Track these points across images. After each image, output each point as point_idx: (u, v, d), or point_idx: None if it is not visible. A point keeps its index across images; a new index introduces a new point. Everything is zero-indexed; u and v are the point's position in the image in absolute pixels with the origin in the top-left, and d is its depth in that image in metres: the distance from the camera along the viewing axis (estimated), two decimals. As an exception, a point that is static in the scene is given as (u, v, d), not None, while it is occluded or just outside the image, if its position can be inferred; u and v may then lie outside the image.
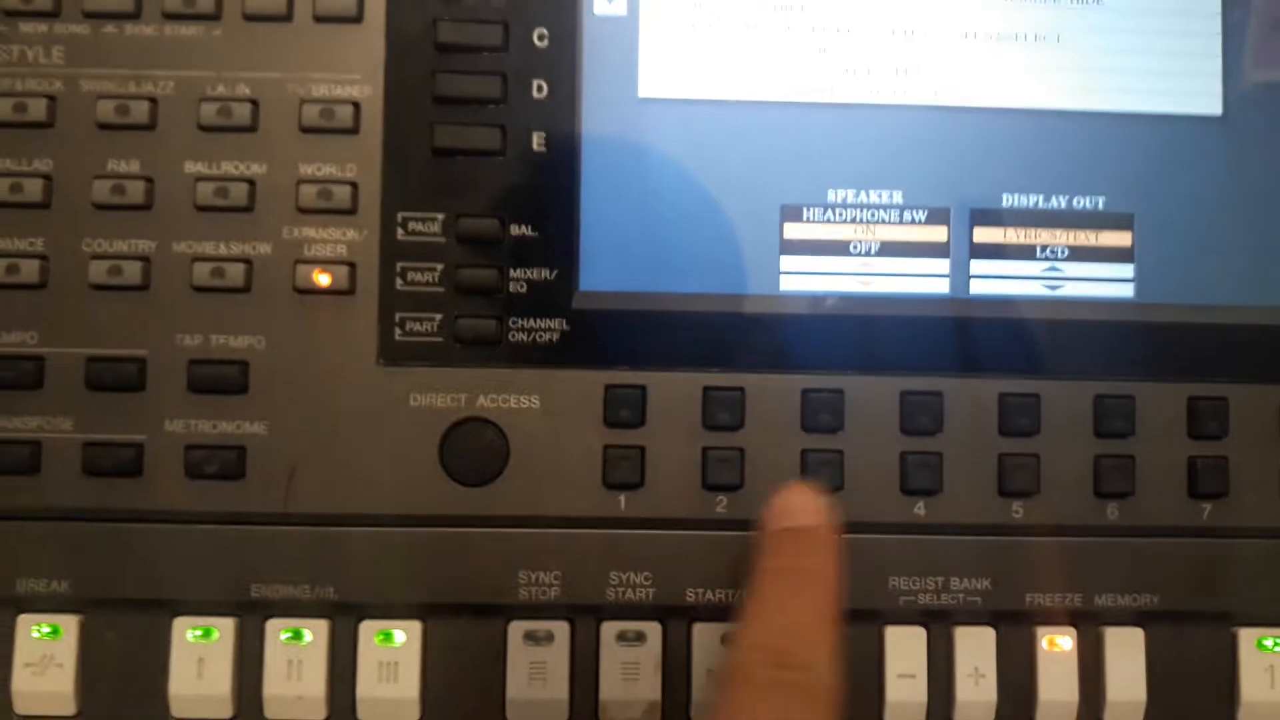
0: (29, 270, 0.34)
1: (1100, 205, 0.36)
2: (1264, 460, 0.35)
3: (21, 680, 0.35)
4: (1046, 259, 0.36)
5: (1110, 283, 0.36)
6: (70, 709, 0.35)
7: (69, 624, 0.35)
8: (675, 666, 0.35)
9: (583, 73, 0.35)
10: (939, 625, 0.36)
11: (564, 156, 0.35)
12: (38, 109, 0.35)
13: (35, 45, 0.35)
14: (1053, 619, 0.35)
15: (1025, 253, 0.36)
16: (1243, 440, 0.35)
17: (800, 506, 0.32)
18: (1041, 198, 0.36)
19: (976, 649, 0.35)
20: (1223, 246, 0.36)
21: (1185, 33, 0.37)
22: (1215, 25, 0.36)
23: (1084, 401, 0.35)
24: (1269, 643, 0.36)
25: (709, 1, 0.36)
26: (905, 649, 0.35)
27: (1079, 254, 0.36)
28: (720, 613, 0.35)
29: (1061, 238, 0.36)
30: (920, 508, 0.35)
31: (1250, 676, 0.36)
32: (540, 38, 0.35)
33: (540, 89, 0.35)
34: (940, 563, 0.35)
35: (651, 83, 0.35)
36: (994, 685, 0.35)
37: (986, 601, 0.35)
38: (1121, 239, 0.36)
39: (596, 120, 0.35)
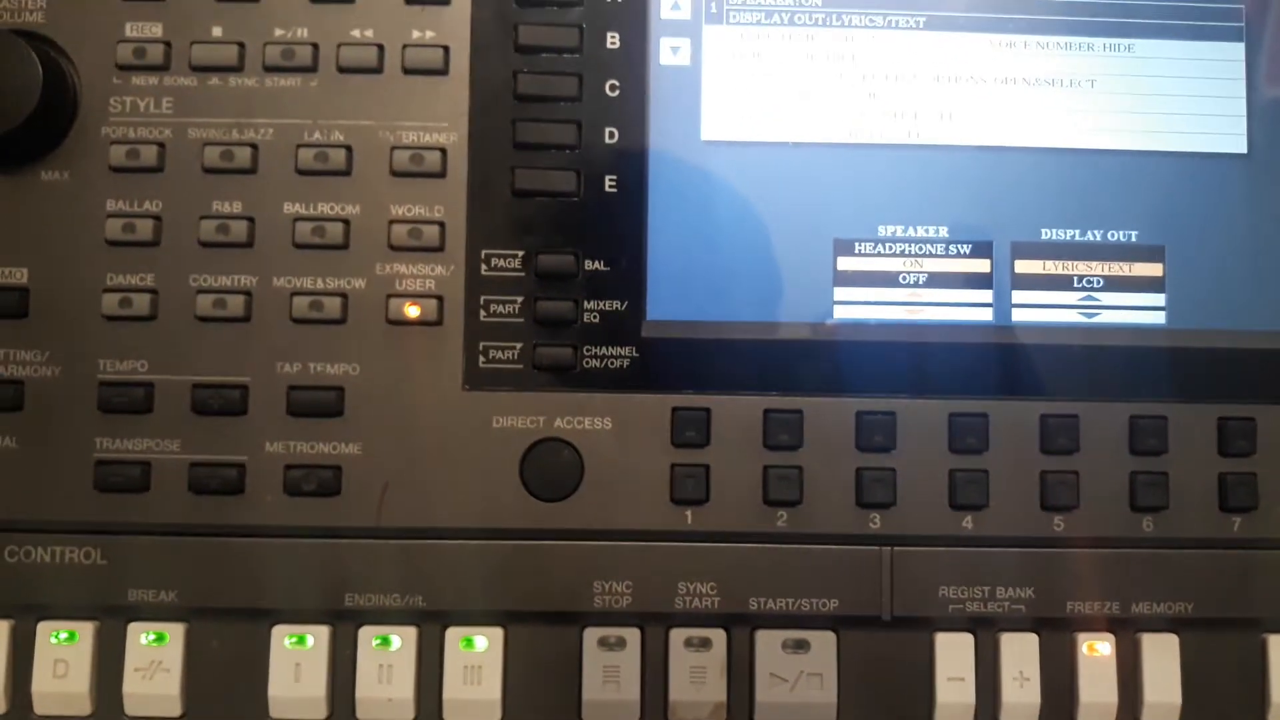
0: (140, 303, 0.37)
1: (1133, 238, 0.38)
2: None
3: (131, 684, 0.37)
4: (1083, 289, 0.38)
5: (1143, 310, 0.38)
6: (176, 711, 0.37)
7: (175, 631, 0.37)
8: (739, 670, 0.37)
9: (650, 119, 0.38)
10: (986, 631, 0.37)
11: (633, 196, 0.37)
12: (149, 155, 0.37)
13: (147, 96, 0.37)
14: (1092, 625, 0.37)
15: (1063, 283, 0.38)
16: (1270, 457, 0.37)
17: None
18: (1078, 232, 0.38)
19: (1021, 654, 0.37)
20: (1249, 276, 0.38)
21: (1211, 76, 0.39)
22: (1239, 70, 0.39)
23: (1120, 421, 0.37)
24: (1297, 648, 0.37)
25: (766, 52, 0.38)
26: (954, 654, 0.37)
27: (1113, 284, 0.38)
28: (781, 620, 0.37)
29: (1097, 269, 0.38)
30: (968, 522, 0.37)
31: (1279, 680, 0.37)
32: (611, 88, 0.38)
33: (612, 135, 0.37)
34: (987, 573, 0.37)
35: (713, 127, 0.38)
36: (1037, 688, 0.37)
37: (1030, 609, 0.37)
38: (1153, 270, 0.38)
39: (663, 163, 0.38)
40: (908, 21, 0.38)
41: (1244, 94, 0.39)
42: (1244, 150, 0.38)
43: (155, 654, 0.37)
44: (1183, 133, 0.39)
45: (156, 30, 0.38)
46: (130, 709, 0.37)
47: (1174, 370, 0.38)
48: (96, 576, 0.36)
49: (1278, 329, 0.38)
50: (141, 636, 0.37)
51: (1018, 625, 0.37)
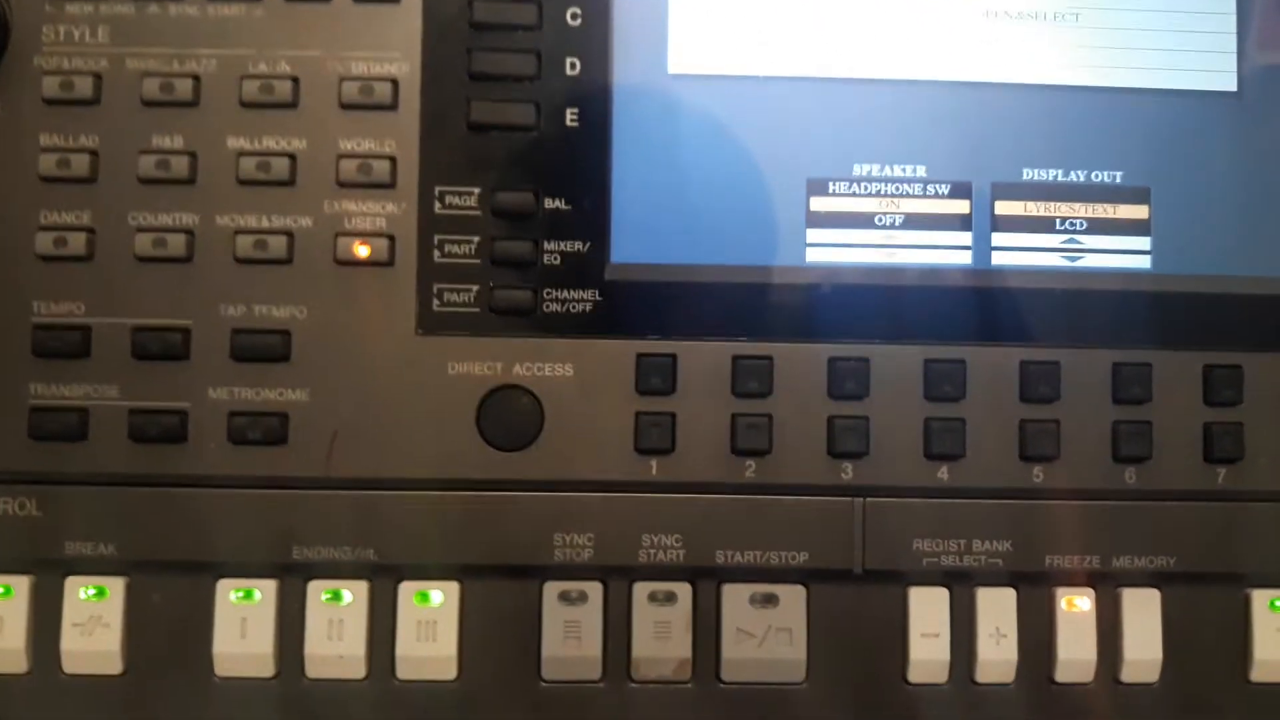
0: (76, 243, 0.35)
1: (1118, 179, 0.37)
2: (1278, 426, 0.36)
3: (70, 640, 0.35)
4: (1066, 231, 0.37)
5: (1128, 254, 0.37)
6: (117, 668, 0.36)
7: (116, 586, 0.36)
8: (705, 625, 0.36)
9: (614, 50, 0.36)
10: (961, 586, 0.36)
11: (596, 132, 0.36)
12: (84, 86, 0.36)
13: (82, 25, 0.36)
14: (1072, 580, 0.36)
15: (1045, 225, 0.37)
16: (1257, 407, 0.36)
17: None
18: (1060, 172, 0.37)
19: (998, 609, 0.36)
20: (1237, 219, 0.37)
21: (1200, 12, 0.37)
22: (1230, 4, 0.37)
23: (1102, 369, 0.36)
24: (1281, 604, 0.37)
25: (737, -19, 0.37)
26: (929, 609, 0.36)
27: (1097, 226, 0.37)
28: (749, 574, 0.36)
29: (1080, 211, 0.37)
30: (944, 472, 0.36)
31: (1263, 636, 0.37)
32: (573, 16, 0.36)
33: (573, 66, 0.36)
34: (963, 525, 0.36)
35: (681, 59, 0.36)
36: (1015, 644, 0.36)
37: (1007, 563, 0.36)
38: (1138, 212, 0.37)
39: (627, 96, 0.36)
40: (886, -52, 0.37)
41: (1234, 30, 0.37)
42: (1234, 88, 0.37)
43: (94, 609, 0.36)
44: (1170, 70, 0.37)
45: (92, -46, 0.36)
46: (69, 667, 0.36)
47: (1159, 316, 0.36)
48: (32, 528, 0.35)
49: (1266, 274, 0.37)
50: (80, 591, 0.36)
51: (995, 580, 0.36)
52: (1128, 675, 0.36)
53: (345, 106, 0.36)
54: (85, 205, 0.36)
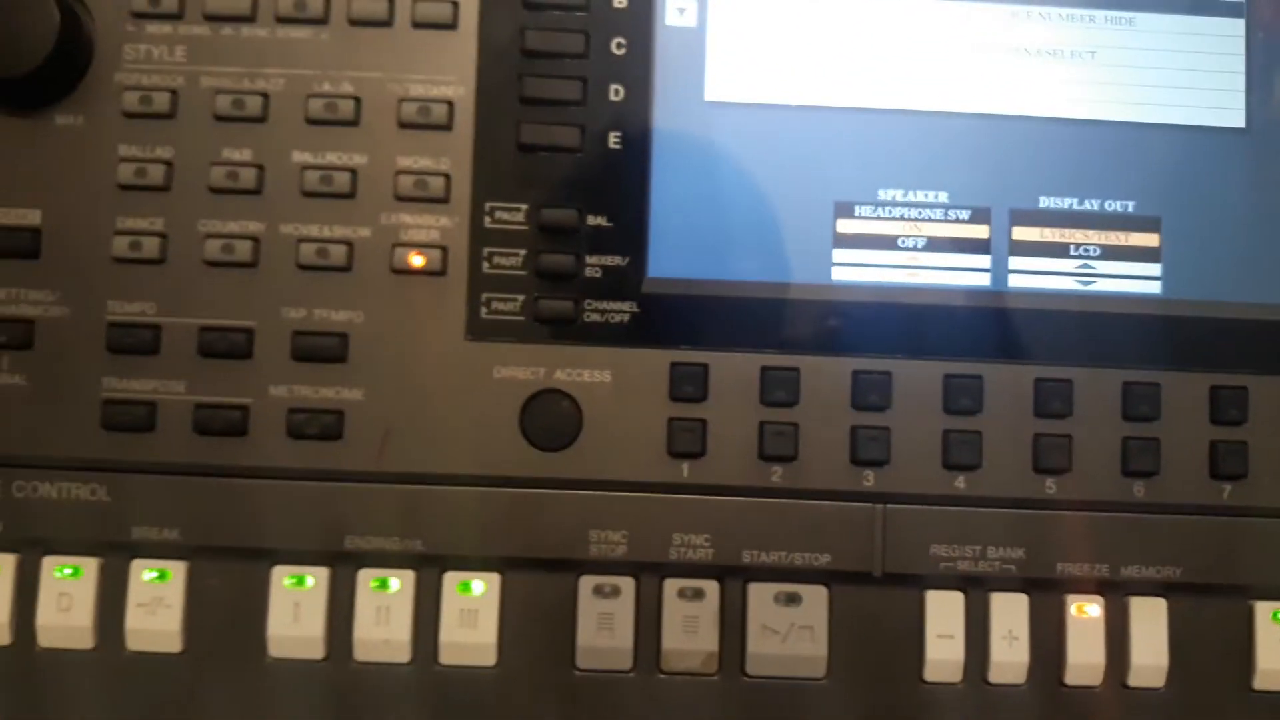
0: (150, 247, 0.37)
1: (1130, 208, 0.39)
2: None
3: (134, 619, 0.37)
4: (1080, 257, 0.38)
5: (1139, 280, 0.38)
6: (177, 646, 0.37)
7: (178, 569, 0.37)
8: (731, 621, 0.38)
9: (655, 78, 0.38)
10: (976, 590, 0.38)
11: (637, 154, 0.38)
12: (161, 102, 0.38)
13: (161, 44, 0.38)
14: (1082, 587, 0.38)
15: (1060, 250, 0.38)
16: (1261, 426, 0.38)
17: None
18: (1076, 200, 0.39)
19: (1010, 613, 0.38)
20: (1244, 248, 0.38)
21: (1211, 51, 0.39)
22: (1240, 45, 0.39)
23: (1114, 387, 0.38)
24: (1283, 615, 0.38)
25: (771, 14, 0.39)
26: (944, 611, 0.37)
27: (1110, 253, 0.38)
28: (774, 573, 0.37)
29: (1094, 237, 0.39)
30: (960, 481, 0.37)
31: (1266, 646, 0.38)
32: (618, 46, 0.38)
33: (617, 92, 0.38)
34: (978, 533, 0.37)
35: (717, 88, 0.38)
36: (1026, 647, 0.37)
37: (1020, 569, 0.37)
38: (1150, 240, 0.39)
39: (667, 121, 0.38)
40: (913, -13, 0.39)
41: (1243, 69, 0.39)
42: (1242, 125, 0.39)
43: (157, 590, 0.38)
44: (1182, 106, 0.39)
45: (172, -22, 0.38)
46: (132, 644, 0.38)
47: (1168, 339, 0.38)
48: (101, 513, 0.37)
49: (1272, 301, 0.38)
50: (144, 573, 0.38)
51: (1008, 585, 0.38)
52: (1135, 680, 0.38)
53: (403, 125, 0.38)
54: (159, 212, 0.38)
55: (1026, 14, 0.39)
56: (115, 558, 0.38)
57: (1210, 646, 0.38)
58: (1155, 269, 0.39)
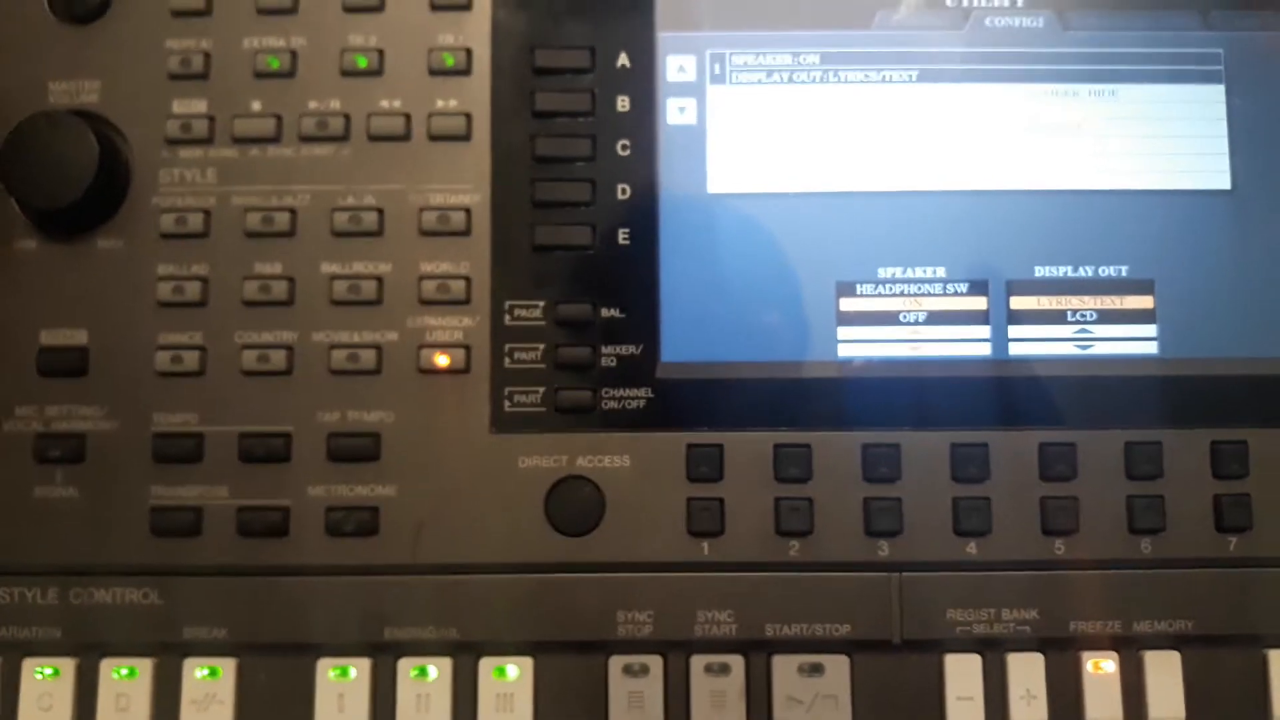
0: (190, 360, 0.39)
1: (1124, 273, 0.40)
2: None
3: (188, 715, 0.39)
4: (1077, 322, 0.40)
5: (1135, 341, 0.40)
6: None
7: (228, 666, 0.39)
8: (757, 693, 0.39)
9: (660, 175, 0.40)
10: (993, 652, 0.39)
11: (645, 248, 0.40)
12: (195, 222, 0.40)
13: (193, 168, 0.40)
14: (1096, 644, 0.38)
15: (1057, 317, 0.40)
16: (1263, 478, 0.39)
17: None
18: (1070, 268, 0.40)
19: (1027, 673, 0.38)
20: (1236, 305, 0.40)
21: (1194, 117, 0.41)
22: (1220, 110, 0.41)
23: (1116, 448, 0.39)
24: (1296, 663, 0.39)
25: (767, 109, 0.41)
26: (963, 674, 0.38)
27: (1106, 317, 0.40)
28: (796, 645, 0.39)
29: (1090, 303, 0.40)
30: (972, 547, 0.39)
31: None
32: (623, 148, 0.40)
33: (624, 191, 0.40)
34: (992, 596, 0.38)
35: (719, 180, 0.40)
36: (1044, 705, 0.38)
37: (1035, 630, 0.38)
38: (1144, 302, 0.40)
39: (672, 215, 0.40)
40: (900, 75, 0.41)
41: (1225, 133, 0.40)
42: (1228, 186, 0.40)
43: (209, 687, 0.39)
44: (1168, 171, 0.40)
45: (201, 106, 0.40)
46: None
47: (1166, 398, 0.39)
48: (154, 615, 0.39)
49: (1265, 355, 0.39)
50: (196, 671, 0.39)
51: (1024, 645, 0.39)
52: None
53: (424, 233, 0.40)
54: (197, 326, 0.40)
55: (1012, 93, 0.41)
56: (169, 657, 0.39)
57: (1226, 696, 0.39)
58: (1151, 330, 0.40)
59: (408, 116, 0.40)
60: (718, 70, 0.41)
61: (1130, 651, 0.39)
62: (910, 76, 0.41)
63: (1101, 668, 0.39)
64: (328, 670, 0.39)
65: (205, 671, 0.39)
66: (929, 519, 0.38)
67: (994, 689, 0.39)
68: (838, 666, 0.39)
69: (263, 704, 0.39)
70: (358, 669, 0.39)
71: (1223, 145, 0.41)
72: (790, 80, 0.41)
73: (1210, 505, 0.39)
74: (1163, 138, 0.41)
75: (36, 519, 0.39)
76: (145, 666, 0.39)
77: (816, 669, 0.39)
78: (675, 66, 0.41)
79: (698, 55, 0.41)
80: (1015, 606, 0.38)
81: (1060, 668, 0.39)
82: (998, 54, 0.41)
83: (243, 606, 0.39)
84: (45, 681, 0.39)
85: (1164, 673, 0.39)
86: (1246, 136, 0.41)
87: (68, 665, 0.39)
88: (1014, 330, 0.40)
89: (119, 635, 0.39)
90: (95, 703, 0.39)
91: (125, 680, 0.39)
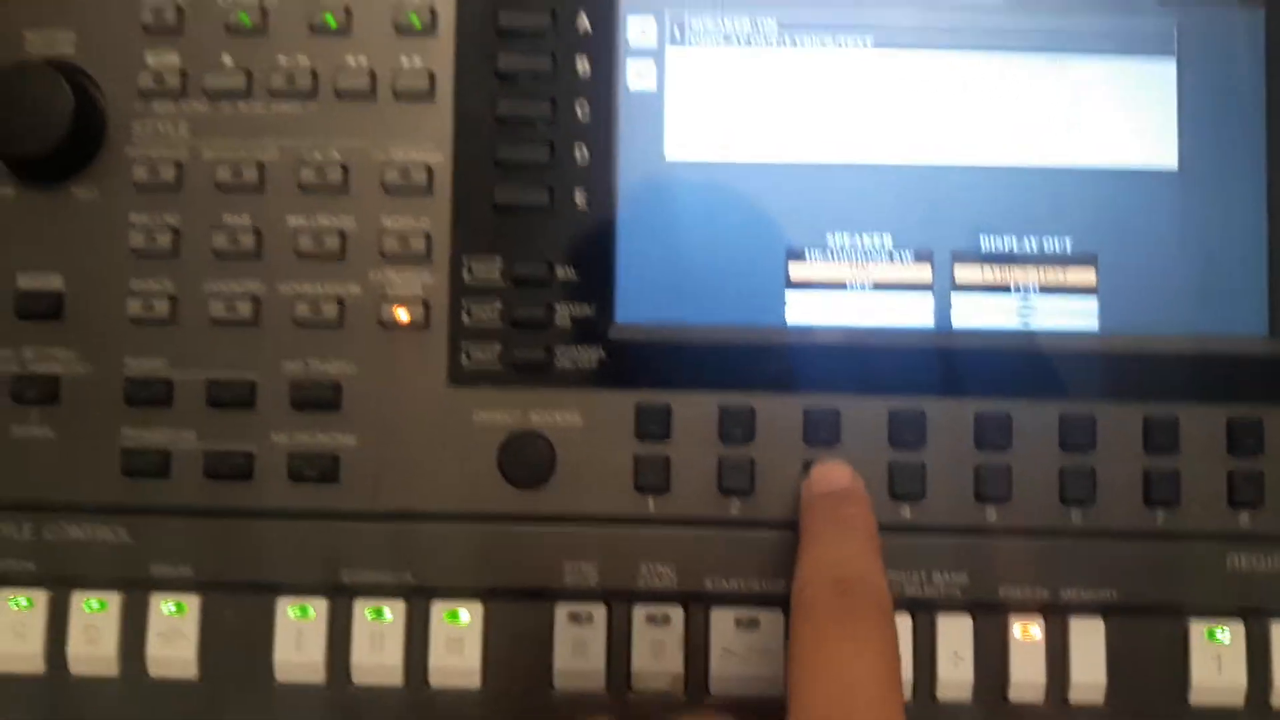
0: (161, 307, 0.41)
1: (1068, 247, 0.41)
2: (1211, 472, 0.39)
3: (154, 648, 0.41)
4: (1020, 294, 0.41)
5: (1076, 315, 0.40)
6: (193, 673, 0.41)
7: (193, 602, 0.41)
8: (696, 644, 0.40)
9: (618, 140, 0.41)
10: (923, 613, 0.40)
11: (602, 210, 0.41)
12: (168, 173, 0.41)
13: (166, 121, 0.41)
14: (1024, 609, 0.40)
15: (1001, 289, 0.40)
16: (1193, 454, 0.39)
17: (836, 475, 0.38)
18: (1015, 240, 0.41)
19: (956, 634, 0.40)
20: (1177, 283, 0.40)
21: (1144, 97, 0.41)
22: (1171, 88, 0.41)
23: (1051, 419, 0.39)
24: (1217, 633, 0.39)
25: (725, 78, 0.41)
26: (894, 632, 0.40)
27: (1048, 290, 0.40)
28: (734, 599, 0.40)
29: (1033, 275, 0.40)
30: (906, 510, 0.40)
31: (1200, 663, 0.39)
32: (583, 111, 0.41)
33: (582, 154, 0.41)
34: (924, 559, 0.39)
35: (676, 148, 0.41)
36: (971, 666, 0.39)
37: (965, 593, 0.39)
38: (1087, 276, 0.40)
39: (630, 180, 0.41)
40: (855, 41, 0.41)
41: (1175, 114, 0.41)
42: (1175, 166, 0.41)
43: (175, 623, 0.41)
44: (1117, 149, 0.41)
45: (174, 60, 0.41)
46: (153, 671, 0.41)
47: (1103, 372, 0.40)
48: (123, 552, 0.40)
49: (1202, 332, 0.40)
50: (163, 606, 0.41)
51: (953, 607, 0.40)
52: (1075, 696, 0.40)
53: (387, 190, 0.41)
54: (168, 275, 0.41)
55: (962, 63, 0.41)
56: (136, 593, 0.41)
57: (1147, 664, 0.40)
58: (1092, 304, 0.40)
59: (373, 75, 0.41)
60: (677, 34, 0.41)
61: (1056, 618, 0.40)
62: (865, 42, 0.41)
63: (1029, 632, 0.40)
64: (287, 609, 0.41)
65: (172, 607, 0.41)
66: (866, 481, 0.39)
67: (923, 648, 0.40)
68: (773, 621, 0.40)
69: (226, 639, 0.41)
70: (316, 608, 0.41)
71: (1172, 124, 0.41)
72: (748, 43, 0.41)
73: (1141, 478, 0.40)
74: (1111, 114, 0.41)
75: (12, 457, 0.41)
76: (114, 600, 0.41)
77: (753, 623, 0.40)
78: (636, 28, 0.41)
79: (657, 16, 0.41)
80: (946, 570, 0.40)
81: (988, 631, 0.40)
82: (952, 22, 0.41)
83: (208, 546, 0.40)
84: (19, 612, 0.41)
85: (1088, 639, 0.40)
86: (1195, 115, 0.41)
87: (40, 596, 0.41)
88: (957, 300, 0.40)
89: (90, 570, 0.41)
90: (66, 632, 0.41)
91: (95, 613, 0.41)
